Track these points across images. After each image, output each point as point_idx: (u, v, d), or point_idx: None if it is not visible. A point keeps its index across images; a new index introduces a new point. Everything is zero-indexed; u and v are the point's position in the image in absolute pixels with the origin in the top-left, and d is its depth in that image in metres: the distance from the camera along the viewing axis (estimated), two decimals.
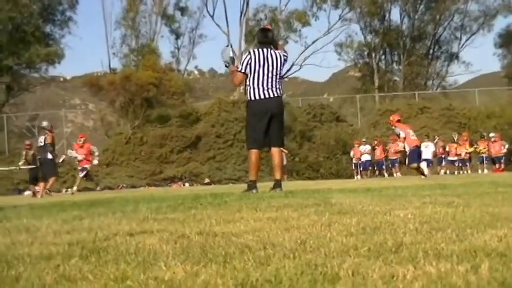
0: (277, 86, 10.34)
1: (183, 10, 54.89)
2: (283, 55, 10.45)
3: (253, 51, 10.30)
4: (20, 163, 24.34)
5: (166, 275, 2.31)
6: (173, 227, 4.06)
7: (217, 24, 54.20)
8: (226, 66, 10.96)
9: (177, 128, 40.15)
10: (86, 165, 23.09)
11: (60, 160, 22.56)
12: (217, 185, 31.48)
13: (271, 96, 10.23)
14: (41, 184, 21.06)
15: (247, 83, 10.37)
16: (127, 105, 40.96)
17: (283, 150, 11.62)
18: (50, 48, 43.46)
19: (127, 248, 3.09)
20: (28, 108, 49.05)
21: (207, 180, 35.50)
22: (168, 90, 43.17)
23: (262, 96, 10.21)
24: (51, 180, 20.98)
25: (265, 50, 10.30)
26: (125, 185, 34.65)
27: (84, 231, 4.10)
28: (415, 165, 20.50)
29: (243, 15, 51.02)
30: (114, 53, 52.18)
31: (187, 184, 35.64)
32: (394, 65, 61.25)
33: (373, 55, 59.53)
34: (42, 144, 20.83)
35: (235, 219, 4.41)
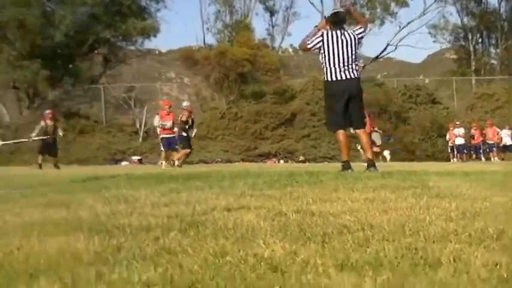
0: (354, 68, 10.27)
1: None
2: (358, 34, 10.36)
3: (326, 33, 10.23)
4: (33, 134, 24.52)
5: (265, 252, 2.32)
6: (270, 204, 4.07)
7: (311, 3, 53.81)
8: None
9: (272, 104, 40.22)
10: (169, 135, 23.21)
11: (193, 135, 23.03)
12: (312, 163, 31.40)
13: (348, 77, 10.18)
14: (176, 154, 22.63)
15: (323, 63, 10.35)
16: (222, 81, 41.20)
17: (378, 130, 11.62)
18: (146, 22, 43.98)
19: (225, 223, 3.10)
20: (125, 80, 49.85)
21: (301, 158, 35.48)
22: (262, 66, 43.20)
23: (338, 78, 10.17)
24: (182, 152, 22.43)
25: (338, 32, 10.25)
26: (219, 159, 34.96)
27: (182, 204, 4.13)
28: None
29: None
30: (208, 28, 52.56)
31: (281, 161, 35.70)
32: (492, 48, 59.77)
33: (470, 38, 58.17)
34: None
35: (332, 199, 4.38)
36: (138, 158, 35.15)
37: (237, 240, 2.63)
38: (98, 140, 38.03)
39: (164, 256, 2.32)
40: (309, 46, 10.20)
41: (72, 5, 40.44)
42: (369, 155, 10.50)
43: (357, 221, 3.10)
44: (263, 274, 2.02)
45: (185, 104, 23.79)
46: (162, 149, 23.77)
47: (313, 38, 10.20)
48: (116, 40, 44.70)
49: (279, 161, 34.47)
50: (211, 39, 56.50)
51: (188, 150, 22.61)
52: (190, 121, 22.63)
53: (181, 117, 22.42)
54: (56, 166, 23.19)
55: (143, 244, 2.55)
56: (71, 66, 43.22)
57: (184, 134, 22.35)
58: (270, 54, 47.12)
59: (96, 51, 45.78)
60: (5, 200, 4.90)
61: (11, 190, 6.29)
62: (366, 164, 10.30)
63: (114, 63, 46.67)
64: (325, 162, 32.23)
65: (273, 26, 56.27)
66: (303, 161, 34.19)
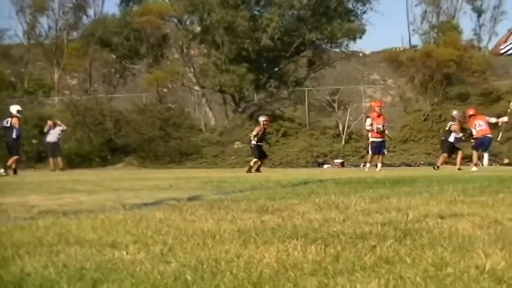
0: None
1: None
2: None
3: None
4: (254, 139, 24.95)
5: (486, 264, 2.26)
6: (483, 211, 3.96)
7: None
8: None
9: (477, 106, 39.09)
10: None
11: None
12: None
13: None
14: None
15: None
16: (426, 82, 40.46)
17: None
18: (352, 24, 43.88)
19: (440, 232, 3.05)
20: (327, 83, 50.00)
21: (506, 161, 34.21)
22: (468, 67, 42.08)
23: None
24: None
25: None
26: (422, 162, 34.39)
27: (393, 210, 4.10)
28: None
29: None
30: (414, 30, 51.67)
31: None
32: None
33: None
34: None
35: None
36: (341, 161, 35.18)
37: (454, 249, 2.58)
38: (301, 142, 38.36)
39: (383, 266, 2.31)
40: (502, 51, 9.96)
41: (279, 7, 41.07)
42: None
43: None
44: (487, 287, 1.97)
45: (261, 118, 25.57)
46: (370, 152, 23.67)
47: (507, 44, 9.93)
48: (321, 42, 44.92)
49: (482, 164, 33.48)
50: (416, 40, 55.57)
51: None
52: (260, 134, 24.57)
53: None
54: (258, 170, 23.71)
55: (360, 253, 2.55)
56: (276, 69, 43.90)
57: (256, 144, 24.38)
58: (476, 55, 45.80)
59: (300, 54, 46.21)
60: (218, 205, 5.04)
61: (223, 195, 6.48)
62: None
63: (318, 66, 46.90)
64: None
65: (480, 26, 54.68)
66: (509, 164, 32.91)
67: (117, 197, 6.66)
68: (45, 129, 29.34)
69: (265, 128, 24.96)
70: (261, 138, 24.67)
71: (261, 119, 25.45)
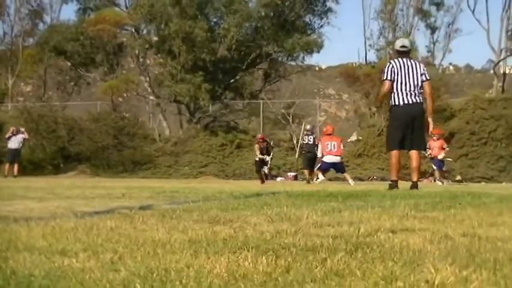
0: (419, 94, 11.55)
1: (438, 5, 53.76)
2: (423, 68, 11.86)
3: (394, 61, 11.66)
4: (257, 153, 25.34)
5: (436, 278, 2.27)
6: (434, 226, 4.00)
7: (477, 20, 52.28)
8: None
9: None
10: None
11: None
12: (469, 183, 30.64)
13: (413, 102, 11.48)
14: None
15: (393, 89, 11.55)
16: None
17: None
18: (309, 38, 44.19)
19: (391, 246, 3.07)
20: (283, 95, 50.27)
21: (458, 177, 34.65)
22: None
23: (406, 102, 11.46)
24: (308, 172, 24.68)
25: (405, 59, 11.61)
26: (375, 177, 34.69)
27: (345, 224, 4.13)
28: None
29: (504, 11, 48.97)
30: (370, 45, 52.15)
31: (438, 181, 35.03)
32: None
33: None
34: (310, 142, 25.19)
35: (498, 223, 4.27)
36: (294, 174, 35.34)
37: (405, 264, 2.59)
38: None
39: (333, 278, 2.32)
40: (388, 79, 11.31)
41: (238, 17, 41.20)
42: (414, 178, 11.96)
43: None
44: None
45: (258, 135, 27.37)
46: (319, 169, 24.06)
47: (385, 72, 11.28)
48: (278, 55, 45.16)
49: (435, 180, 33.83)
50: (372, 56, 56.24)
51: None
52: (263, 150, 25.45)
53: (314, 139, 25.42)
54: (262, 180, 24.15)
55: (311, 265, 2.56)
56: (232, 80, 44.06)
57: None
58: (431, 72, 46.42)
59: (257, 67, 46.43)
60: (170, 215, 5.02)
61: (175, 205, 6.46)
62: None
63: (274, 79, 47.17)
64: (483, 183, 31.41)
65: (434, 43, 55.33)
66: (460, 181, 33.36)
67: (69, 205, 6.60)
68: (7, 135, 29.07)
69: (260, 145, 25.58)
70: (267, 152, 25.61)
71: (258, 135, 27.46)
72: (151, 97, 44.96)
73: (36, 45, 50.36)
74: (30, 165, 34.13)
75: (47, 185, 15.15)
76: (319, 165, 23.37)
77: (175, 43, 40.39)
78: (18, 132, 28.72)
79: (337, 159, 22.61)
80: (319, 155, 23.26)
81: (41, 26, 53.77)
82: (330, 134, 23.30)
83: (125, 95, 45.77)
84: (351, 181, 22.27)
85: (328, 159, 22.50)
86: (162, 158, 37.66)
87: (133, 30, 45.01)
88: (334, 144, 22.64)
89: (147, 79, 45.14)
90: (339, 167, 23.15)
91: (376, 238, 3.40)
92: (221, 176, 34.64)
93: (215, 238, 3.48)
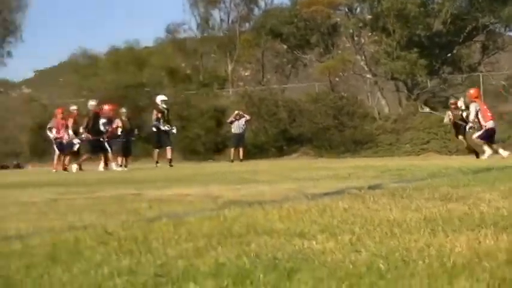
0: None
1: None
2: None
3: None
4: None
5: None
6: None
7: None
8: None
9: None
10: None
11: None
12: None
13: None
14: None
15: None
16: None
17: None
18: None
19: None
20: (503, 68, 48.45)
21: None
22: None
23: None
24: None
25: None
26: None
27: None
28: None
29: None
30: None
31: None
32: None
33: None
34: None
35: None
36: None
37: None
38: None
39: None
40: None
41: None
42: None
43: None
44: None
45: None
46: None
47: None
48: (495, 27, 43.52)
49: None
50: None
51: None
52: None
53: None
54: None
55: None
56: (449, 54, 43.01)
57: None
58: None
59: (473, 39, 45.04)
60: (401, 194, 5.01)
61: (403, 183, 6.43)
62: None
63: (492, 51, 45.52)
64: None
65: None
66: None
67: (298, 187, 6.75)
68: (229, 120, 29.98)
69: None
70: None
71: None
72: (368, 75, 44.75)
73: (252, 30, 51.49)
74: (254, 148, 35.00)
75: (273, 167, 15.55)
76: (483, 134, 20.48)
77: (388, 20, 39.96)
78: (241, 117, 29.47)
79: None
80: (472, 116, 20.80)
81: (255, 11, 54.93)
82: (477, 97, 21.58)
83: (342, 74, 45.86)
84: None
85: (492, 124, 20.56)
86: (383, 136, 37.38)
87: (346, 9, 44.96)
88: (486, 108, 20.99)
89: (363, 58, 44.95)
90: None
91: None
92: (443, 152, 33.92)
93: (450, 216, 3.45)
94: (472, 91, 22.20)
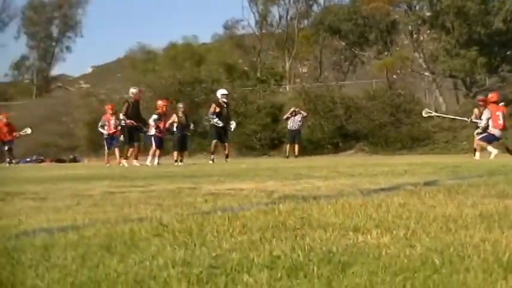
0: None
1: None
2: None
3: None
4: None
5: None
6: None
7: None
8: None
9: None
10: None
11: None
12: None
13: None
14: None
15: None
16: None
17: None
18: None
19: None
20: None
21: None
22: None
23: None
24: None
25: None
26: None
27: None
28: None
29: None
30: None
31: None
32: None
33: None
34: None
35: None
36: None
37: None
38: None
39: None
40: None
41: None
42: None
43: None
44: None
45: None
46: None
47: None
48: None
49: None
50: None
51: None
52: None
53: None
54: None
55: None
56: (508, 52, 42.45)
57: None
58: None
59: None
60: (456, 190, 4.98)
61: (459, 180, 6.38)
62: None
63: None
64: None
65: None
66: None
67: (354, 182, 6.74)
68: (285, 116, 29.92)
69: None
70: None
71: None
72: (426, 73, 44.42)
73: (310, 26, 51.56)
74: (310, 144, 34.96)
75: (329, 163, 15.53)
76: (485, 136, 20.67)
77: (448, 18, 39.66)
78: (296, 113, 29.40)
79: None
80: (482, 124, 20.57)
81: (314, 7, 54.97)
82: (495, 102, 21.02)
83: (400, 72, 45.61)
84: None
85: (497, 133, 20.35)
86: (440, 134, 37.04)
87: (406, 6, 44.67)
88: (500, 116, 20.49)
89: (421, 55, 44.64)
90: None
91: None
92: (501, 150, 33.48)
93: (506, 212, 3.42)
94: (491, 94, 21.94)
